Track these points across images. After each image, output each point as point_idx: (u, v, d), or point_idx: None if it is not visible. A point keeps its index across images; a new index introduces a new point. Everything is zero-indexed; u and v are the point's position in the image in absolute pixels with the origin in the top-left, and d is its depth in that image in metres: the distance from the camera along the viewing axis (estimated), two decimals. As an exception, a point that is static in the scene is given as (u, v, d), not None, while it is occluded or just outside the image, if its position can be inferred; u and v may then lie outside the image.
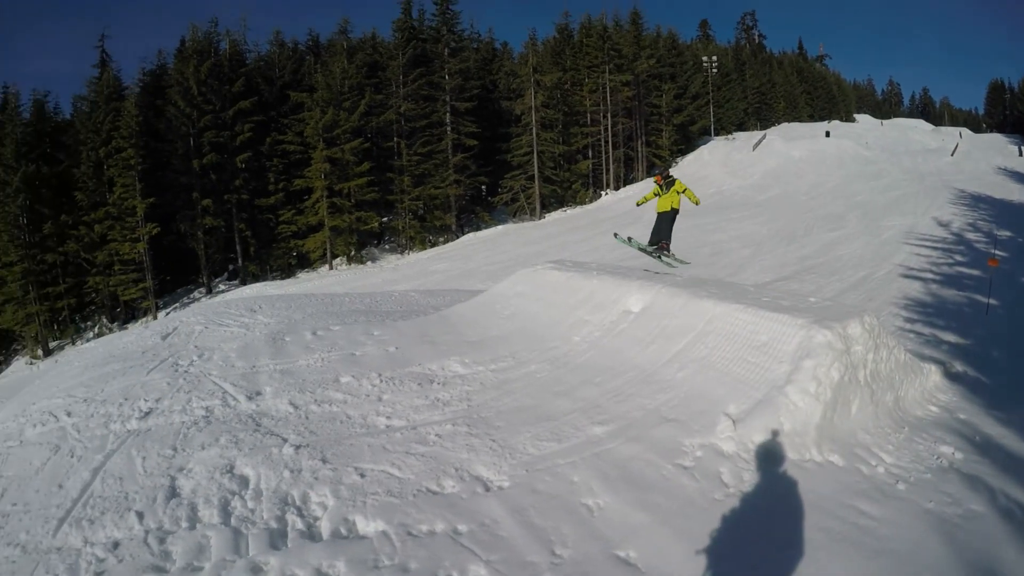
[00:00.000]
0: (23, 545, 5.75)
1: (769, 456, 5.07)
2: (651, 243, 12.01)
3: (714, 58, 64.00)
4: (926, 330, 10.74)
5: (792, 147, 51.24)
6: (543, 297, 9.35)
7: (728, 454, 5.12)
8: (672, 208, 11.77)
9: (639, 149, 50.01)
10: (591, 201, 46.18)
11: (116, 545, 5.23)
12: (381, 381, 7.28)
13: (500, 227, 41.98)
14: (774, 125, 70.72)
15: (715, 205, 34.17)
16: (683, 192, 11.75)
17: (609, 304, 8.13)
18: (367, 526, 4.64)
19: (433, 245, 39.75)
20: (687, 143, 55.59)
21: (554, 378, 6.85)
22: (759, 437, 5.23)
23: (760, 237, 24.59)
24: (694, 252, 17.61)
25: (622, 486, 4.74)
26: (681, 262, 11.85)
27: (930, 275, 15.89)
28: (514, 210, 43.66)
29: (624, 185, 48.27)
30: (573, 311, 8.42)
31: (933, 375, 7.15)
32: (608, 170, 47.75)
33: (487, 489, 4.84)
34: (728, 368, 6.12)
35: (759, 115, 73.31)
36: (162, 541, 5.09)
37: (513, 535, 4.31)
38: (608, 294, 8.35)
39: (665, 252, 11.86)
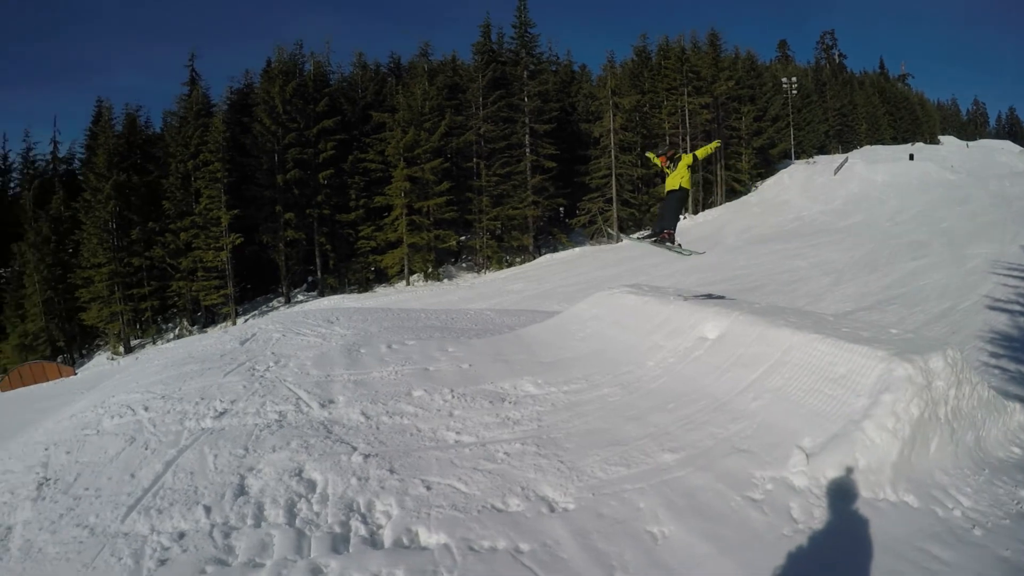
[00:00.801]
0: (92, 527, 5.99)
1: (842, 493, 4.86)
2: (653, 233, 10.67)
3: (794, 79, 62.61)
4: (1012, 366, 10.25)
5: (875, 171, 49.79)
6: (619, 321, 9.24)
7: (799, 489, 4.93)
8: (681, 187, 10.36)
9: (718, 173, 49.13)
10: None
11: (182, 536, 5.38)
12: (453, 397, 7.30)
13: (577, 249, 41.89)
14: (856, 148, 68.80)
15: (794, 231, 33.45)
16: (690, 164, 10.23)
17: (685, 330, 7.98)
18: (429, 538, 4.64)
19: (510, 265, 39.98)
20: (767, 167, 54.31)
21: (626, 403, 6.74)
22: (832, 473, 5.01)
23: (841, 265, 23.82)
24: (772, 278, 17.26)
25: (689, 515, 4.60)
26: (692, 252, 10.85)
27: (1018, 307, 15.18)
28: (591, 232, 43.48)
29: (703, 209, 47.33)
30: (648, 336, 8.28)
31: (1018, 414, 6.78)
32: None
33: (552, 510, 4.77)
34: (803, 400, 5.92)
35: (840, 137, 71.49)
36: (227, 536, 5.22)
37: (575, 558, 4.23)
38: (684, 320, 8.19)
39: (668, 242, 10.41)
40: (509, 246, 40.86)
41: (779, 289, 17.66)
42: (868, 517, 4.66)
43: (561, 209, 45.89)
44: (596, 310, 9.99)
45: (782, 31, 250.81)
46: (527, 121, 41.92)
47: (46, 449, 8.94)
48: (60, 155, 48.45)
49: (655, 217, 10.91)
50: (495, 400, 7.08)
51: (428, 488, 5.29)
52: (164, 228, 36.67)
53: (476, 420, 6.57)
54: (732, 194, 48.53)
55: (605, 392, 7.05)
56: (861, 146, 69.84)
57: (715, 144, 10.39)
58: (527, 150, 41.68)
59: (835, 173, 50.32)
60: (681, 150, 10.85)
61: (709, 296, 10.14)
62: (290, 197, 37.71)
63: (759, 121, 53.97)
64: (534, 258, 41.01)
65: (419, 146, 37.83)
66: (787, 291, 18.44)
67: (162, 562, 5.04)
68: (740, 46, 59.29)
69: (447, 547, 4.47)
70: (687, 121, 45.95)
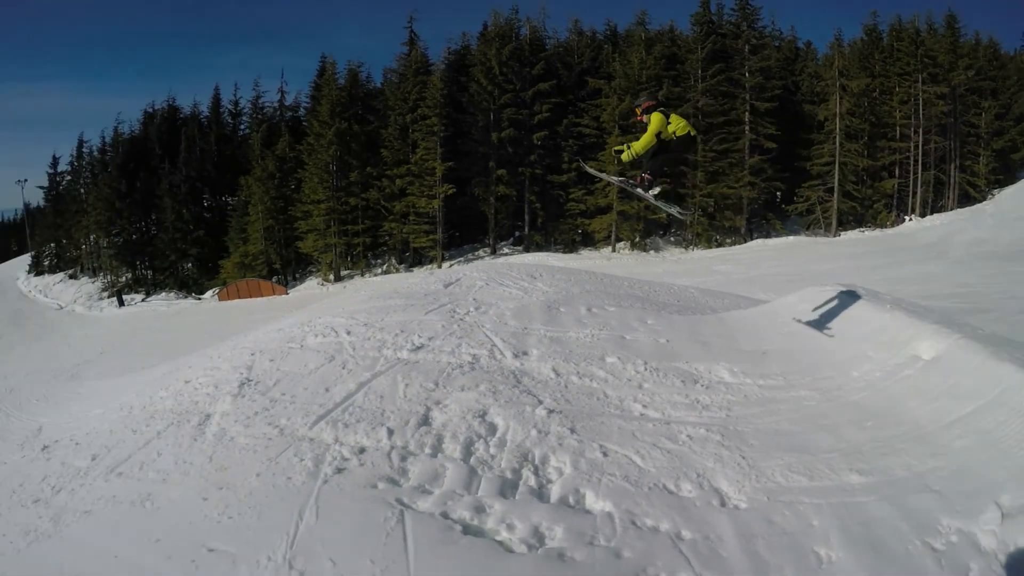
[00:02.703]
0: (281, 428, 6.65)
1: (1033, 568, 4.32)
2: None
3: (1047, 73, 53.04)
4: None
5: None
6: (827, 320, 8.67)
7: (985, 550, 4.30)
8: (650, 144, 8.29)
9: (951, 173, 43.31)
10: (892, 225, 41.07)
11: (362, 451, 5.84)
12: (645, 369, 7.24)
13: (791, 238, 39.58)
14: None
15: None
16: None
17: (897, 344, 7.27)
18: (595, 503, 4.67)
19: (719, 245, 38.67)
20: (1007, 173, 46.61)
21: (821, 410, 6.30)
22: (1027, 543, 4.47)
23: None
24: (1001, 304, 15.40)
25: (861, 546, 4.25)
26: (672, 208, 9.03)
27: None
28: (808, 223, 40.62)
29: (931, 212, 42.27)
30: (857, 343, 7.61)
31: None
32: (915, 193, 42.00)
33: (723, 504, 4.63)
34: (1014, 451, 5.13)
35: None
36: (403, 459, 5.57)
37: (734, 558, 4.09)
38: (898, 332, 7.44)
39: (642, 185, 8.78)
40: (720, 225, 39.37)
41: (1008, 317, 15.54)
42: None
43: (778, 194, 43.06)
44: (805, 306, 9.35)
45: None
46: (747, 97, 39.71)
47: (252, 355, 9.88)
48: (286, 103, 52.92)
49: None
50: (687, 380, 6.92)
51: (605, 454, 5.33)
52: (381, 173, 39.02)
53: (665, 397, 6.49)
54: (965, 200, 42.85)
55: (802, 394, 6.67)
56: None
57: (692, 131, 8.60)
58: (746, 128, 39.54)
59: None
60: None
61: (927, 310, 9.21)
62: (503, 154, 38.71)
63: (1001, 119, 46.48)
64: (744, 241, 39.29)
65: (633, 115, 37.22)
66: (1018, 321, 16.36)
67: (339, 470, 5.49)
68: (981, 31, 50.95)
69: (610, 516, 4.49)
70: (920, 112, 40.89)
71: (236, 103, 53.90)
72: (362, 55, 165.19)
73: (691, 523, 4.37)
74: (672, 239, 40.28)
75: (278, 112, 52.16)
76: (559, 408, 6.30)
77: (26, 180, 60.89)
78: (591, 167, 10.45)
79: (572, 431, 5.76)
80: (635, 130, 8.96)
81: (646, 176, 8.67)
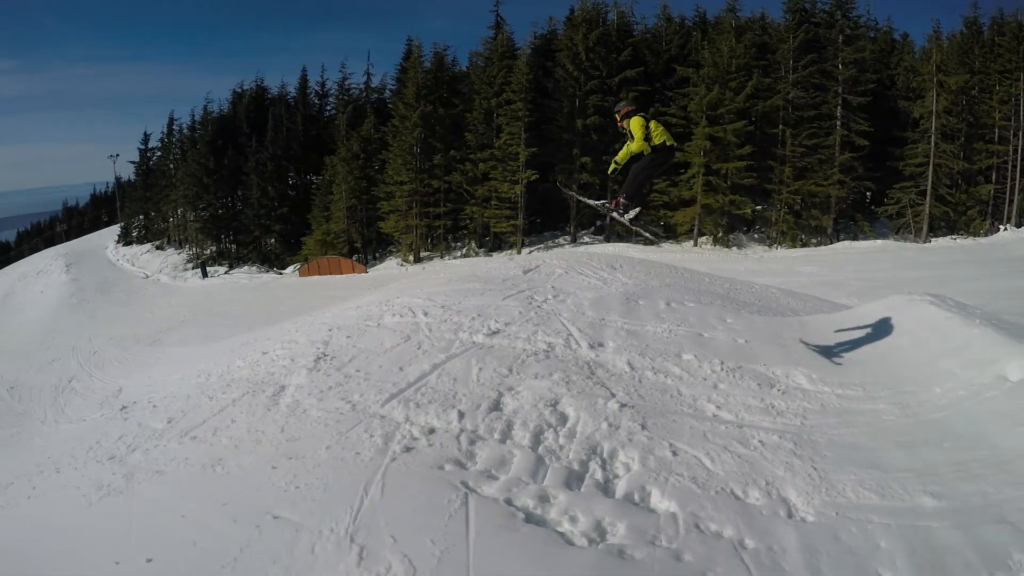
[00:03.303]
0: (354, 404, 6.83)
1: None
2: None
3: None
4: None
5: None
6: (912, 332, 8.12)
7: None
8: (641, 151, 7.74)
9: None
10: (986, 234, 37.87)
11: (431, 431, 5.92)
12: (722, 369, 7.11)
13: (879, 241, 37.32)
14: None
15: None
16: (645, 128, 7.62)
17: (984, 362, 6.80)
18: (660, 502, 4.61)
19: (804, 245, 37.15)
20: None
21: (900, 426, 6.00)
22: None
23: None
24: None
25: (928, 573, 4.03)
26: (647, 229, 8.84)
27: None
28: (897, 226, 38.20)
29: None
30: (941, 358, 7.16)
31: None
32: (1011, 201, 38.46)
33: (790, 515, 4.48)
34: None
35: None
36: (472, 443, 5.61)
37: (795, 572, 3.94)
38: (986, 350, 6.95)
39: (618, 210, 8.24)
40: (806, 224, 37.78)
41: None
42: None
43: (868, 194, 40.79)
44: (890, 315, 8.93)
45: None
46: (840, 91, 37.47)
47: (329, 330, 10.11)
48: (372, 85, 53.17)
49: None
50: (763, 383, 6.75)
51: (674, 453, 5.25)
52: (464, 157, 39.12)
53: (739, 399, 6.35)
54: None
55: (880, 408, 6.36)
56: None
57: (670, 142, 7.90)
58: (838, 123, 37.35)
59: None
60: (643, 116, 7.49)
61: (1019, 329, 8.70)
62: (588, 142, 38.26)
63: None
64: (831, 242, 37.39)
65: (723, 105, 36.06)
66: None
67: (408, 449, 5.58)
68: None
69: (674, 517, 4.41)
70: (1021, 113, 37.03)
71: (323, 84, 54.88)
72: (448, 38, 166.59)
73: (755, 532, 4.25)
74: (756, 236, 38.94)
75: (364, 94, 52.72)
76: (631, 403, 6.24)
77: (118, 155, 63.54)
78: (569, 190, 10.32)
79: (643, 427, 5.70)
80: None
81: (622, 200, 8.21)
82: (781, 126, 37.34)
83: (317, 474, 5.33)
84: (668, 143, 7.70)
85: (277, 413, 7.21)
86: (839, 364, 7.47)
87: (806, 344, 8.13)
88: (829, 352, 7.90)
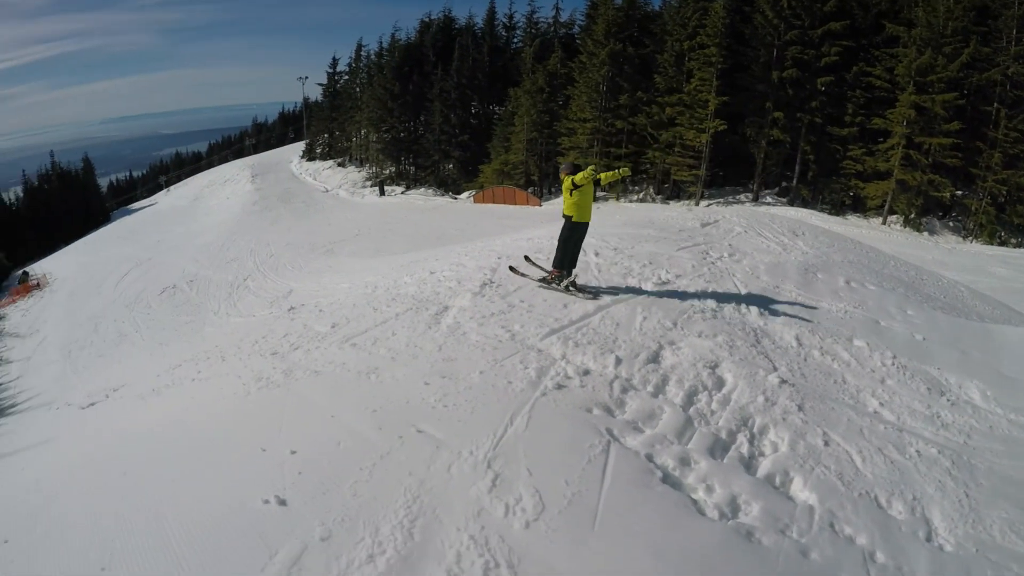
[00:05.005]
0: (513, 334, 6.92)
1: None
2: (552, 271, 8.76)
3: None
4: None
5: None
6: None
7: None
8: (564, 215, 8.26)
9: None
10: None
11: (586, 372, 5.85)
12: (893, 364, 6.47)
13: None
14: None
15: None
16: (580, 186, 7.90)
17: None
18: (800, 492, 4.35)
19: (1002, 243, 32.19)
20: None
21: None
22: None
23: None
24: None
25: None
26: (584, 293, 8.13)
27: None
28: None
29: None
30: None
31: None
32: None
33: (928, 539, 4.07)
34: None
35: None
36: (624, 391, 5.50)
37: None
38: None
39: (555, 283, 8.51)
40: (1009, 220, 32.58)
41: None
42: None
43: None
44: None
45: None
46: None
47: (498, 258, 10.23)
48: (561, 20, 52.64)
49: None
50: (933, 389, 6.07)
51: (826, 443, 4.91)
52: (651, 99, 37.95)
53: (904, 401, 5.76)
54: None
55: (1057, 444, 5.59)
56: None
57: (623, 171, 8.60)
58: None
59: None
60: (583, 169, 7.92)
61: None
62: (782, 96, 35.77)
63: None
64: None
65: (933, 72, 32.03)
66: None
67: (560, 387, 5.55)
68: None
69: (811, 510, 4.15)
70: None
71: (511, 17, 55.16)
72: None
73: (889, 546, 3.92)
74: (950, 224, 34.81)
75: (552, 28, 52.38)
76: (792, 380, 5.87)
77: (307, 77, 67.65)
78: (520, 270, 9.49)
79: (800, 408, 5.36)
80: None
81: (553, 272, 8.62)
82: (996, 104, 32.09)
83: (467, 396, 5.41)
84: (592, 177, 7.87)
85: (437, 332, 7.39)
86: (1019, 385, 6.50)
87: (987, 356, 7.21)
88: (1012, 370, 6.93)
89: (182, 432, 6.25)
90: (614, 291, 8.24)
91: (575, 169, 8.07)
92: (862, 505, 4.25)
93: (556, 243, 8.50)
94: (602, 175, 8.10)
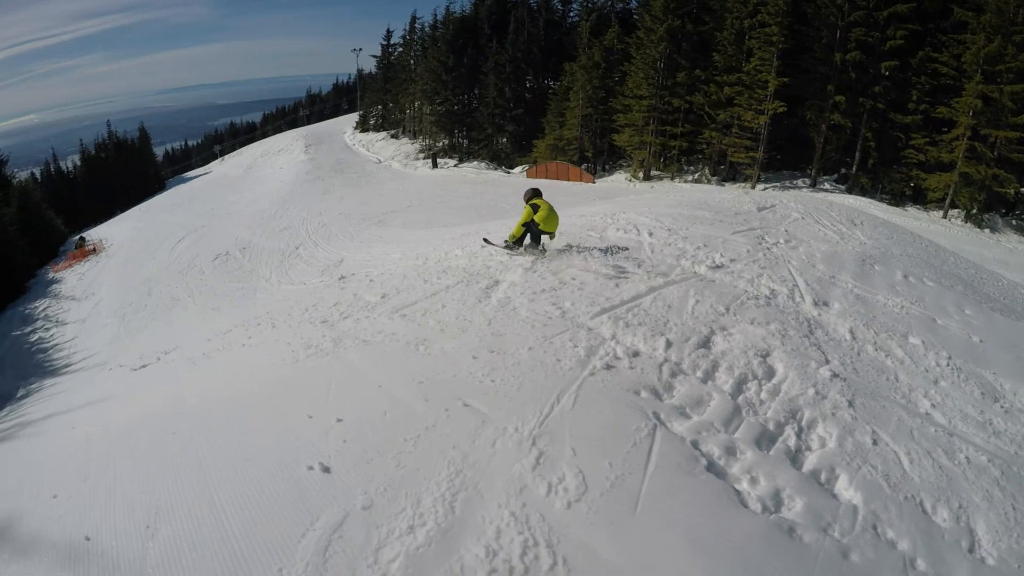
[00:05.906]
0: (564, 311, 6.90)
1: None
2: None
3: None
4: None
5: None
6: None
7: None
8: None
9: None
10: None
11: (635, 354, 5.81)
12: (948, 365, 6.27)
13: None
14: None
15: None
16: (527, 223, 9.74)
17: None
18: (845, 490, 4.27)
19: None
20: None
21: None
22: None
23: None
24: None
25: None
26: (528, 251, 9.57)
27: None
28: None
29: None
30: None
31: None
32: None
33: (971, 550, 3.97)
34: None
35: None
36: (673, 375, 5.45)
37: None
38: None
39: (510, 246, 10.08)
40: None
41: None
42: None
43: None
44: None
45: None
46: None
47: (551, 238, 10.14)
48: (618, -6, 51.85)
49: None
50: (988, 394, 5.86)
51: (874, 442, 4.80)
52: (709, 78, 37.08)
53: (957, 404, 5.57)
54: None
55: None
56: None
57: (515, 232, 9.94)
58: None
59: None
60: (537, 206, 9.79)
61: None
62: (844, 80, 34.62)
63: None
64: None
65: (1003, 61, 30.43)
66: None
67: (608, 367, 5.52)
68: None
69: (854, 510, 4.08)
70: None
71: (566, -12, 54.60)
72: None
73: (931, 554, 3.85)
74: (1014, 222, 33.45)
75: (609, 3, 51.31)
76: (844, 375, 5.73)
77: (361, 49, 68.44)
78: (492, 242, 11.03)
79: (850, 404, 5.24)
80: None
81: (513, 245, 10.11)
82: (1069, 98, 31.03)
83: (515, 372, 5.42)
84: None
85: (487, 306, 7.41)
86: None
87: None
88: None
89: (231, 396, 6.38)
90: (667, 272, 8.15)
91: (533, 195, 9.93)
92: (907, 509, 4.17)
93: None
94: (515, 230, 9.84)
